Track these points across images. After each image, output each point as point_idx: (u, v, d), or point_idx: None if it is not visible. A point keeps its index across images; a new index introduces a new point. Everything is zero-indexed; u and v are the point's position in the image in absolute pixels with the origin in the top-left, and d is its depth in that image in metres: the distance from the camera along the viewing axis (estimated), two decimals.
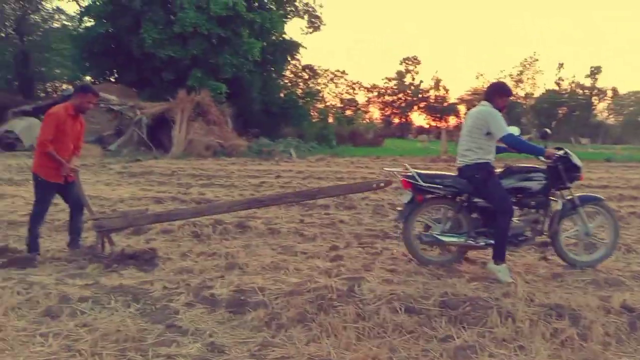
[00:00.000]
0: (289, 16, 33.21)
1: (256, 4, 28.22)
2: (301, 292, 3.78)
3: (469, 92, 78.71)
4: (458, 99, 79.91)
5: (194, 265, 4.63)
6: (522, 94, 76.62)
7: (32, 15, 34.57)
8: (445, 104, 78.90)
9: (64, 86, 37.14)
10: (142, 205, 8.12)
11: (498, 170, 4.82)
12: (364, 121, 64.98)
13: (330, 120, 49.90)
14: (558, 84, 74.01)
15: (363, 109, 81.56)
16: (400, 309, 3.54)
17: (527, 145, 4.65)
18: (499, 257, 4.51)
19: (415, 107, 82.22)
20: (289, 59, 34.11)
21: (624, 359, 2.91)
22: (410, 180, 4.73)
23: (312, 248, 5.45)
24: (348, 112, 71.21)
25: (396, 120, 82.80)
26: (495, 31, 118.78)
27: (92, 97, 5.03)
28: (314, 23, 34.52)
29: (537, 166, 4.88)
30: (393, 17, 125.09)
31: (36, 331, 3.11)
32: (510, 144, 4.60)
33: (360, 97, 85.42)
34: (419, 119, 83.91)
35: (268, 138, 26.06)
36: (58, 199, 8.17)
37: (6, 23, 34.00)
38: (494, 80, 4.88)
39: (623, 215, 7.78)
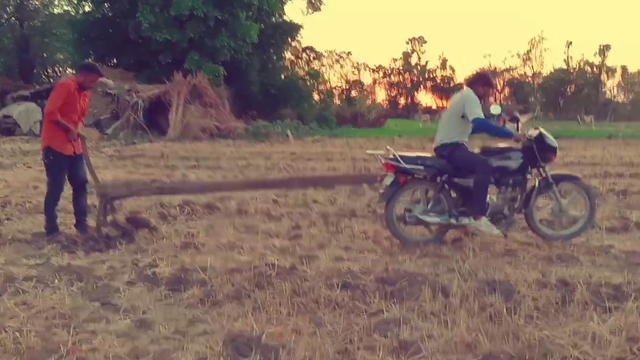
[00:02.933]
0: None
1: None
2: (242, 269, 3.83)
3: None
4: (465, 79, 79.12)
5: (149, 245, 4.69)
6: (529, 72, 75.87)
7: (32, 1, 34.53)
8: (452, 85, 78.28)
9: (68, 71, 37.25)
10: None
11: (475, 150, 4.95)
12: (369, 102, 64.78)
13: (337, 101, 49.67)
14: (567, 63, 73.02)
15: (369, 89, 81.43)
16: (337, 284, 3.58)
17: (496, 129, 4.89)
18: (479, 212, 4.67)
19: (422, 88, 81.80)
20: (289, 40, 33.87)
21: (545, 331, 2.92)
22: (393, 162, 4.78)
23: (274, 228, 5.49)
24: (354, 93, 71.13)
25: (402, 101, 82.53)
26: (503, 10, 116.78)
27: (96, 76, 5.17)
28: (314, 4, 34.15)
29: (513, 146, 4.96)
30: None
31: None
32: (479, 127, 4.82)
33: (366, 78, 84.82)
34: (425, 98, 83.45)
35: (267, 120, 26.01)
36: (39, 182, 8.28)
37: (7, 9, 34.02)
38: (480, 69, 4.96)
39: (601, 191, 7.74)
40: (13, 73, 32.58)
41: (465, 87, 4.96)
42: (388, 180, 4.82)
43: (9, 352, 2.63)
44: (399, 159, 4.75)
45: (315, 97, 36.87)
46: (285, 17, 32.04)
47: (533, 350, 2.68)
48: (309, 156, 13.92)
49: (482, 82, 4.94)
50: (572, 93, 72.50)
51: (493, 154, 4.87)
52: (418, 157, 4.84)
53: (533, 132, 4.93)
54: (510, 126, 5.09)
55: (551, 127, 31.43)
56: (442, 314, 3.19)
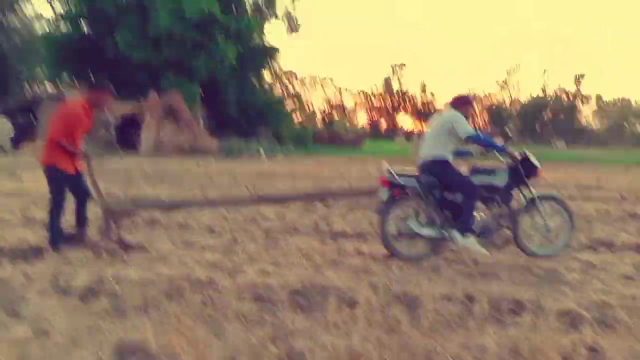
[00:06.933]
0: (268, 19, 33.34)
1: (233, 8, 28.32)
2: (156, 282, 3.85)
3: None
4: (445, 104, 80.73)
5: (77, 257, 4.67)
6: (507, 100, 77.49)
7: (10, 21, 34.57)
8: (433, 109, 79.57)
9: (49, 89, 36.96)
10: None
11: (464, 169, 5.16)
12: (351, 125, 65.50)
13: (320, 124, 50.11)
14: (543, 90, 74.83)
15: (351, 113, 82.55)
16: (250, 298, 3.62)
17: (491, 142, 5.10)
18: (466, 230, 4.92)
19: (402, 111, 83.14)
20: (269, 63, 34.26)
21: (436, 343, 2.98)
22: (388, 178, 5.01)
23: (213, 242, 5.51)
24: (336, 116, 71.97)
25: (384, 124, 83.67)
26: (482, 37, 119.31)
27: (108, 95, 5.18)
28: (292, 25, 34.74)
29: (500, 166, 5.21)
30: (379, 23, 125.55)
31: None
32: (476, 142, 5.08)
33: (349, 102, 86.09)
34: (406, 122, 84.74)
35: (244, 139, 26.10)
36: None
37: None
38: (461, 93, 5.43)
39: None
40: None
41: (450, 108, 5.25)
42: (383, 195, 5.06)
43: None
44: (393, 174, 5.00)
45: (298, 118, 37.21)
46: (265, 41, 32.54)
47: None
48: (274, 175, 14.00)
49: (465, 103, 5.24)
50: (548, 119, 74.10)
51: (482, 172, 5.12)
52: (412, 174, 5.09)
53: (518, 153, 5.19)
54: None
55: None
56: (345, 325, 3.24)
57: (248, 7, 30.06)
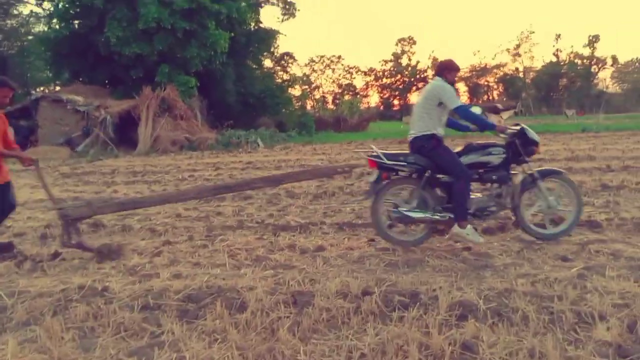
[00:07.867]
0: (262, 5, 32.94)
1: None
2: (54, 293, 3.75)
3: (467, 70, 78.08)
4: (456, 77, 79.46)
5: None
6: (520, 68, 75.72)
7: (7, 21, 34.73)
8: None
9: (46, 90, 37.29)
10: (38, 208, 8.14)
11: (458, 148, 4.95)
12: (361, 106, 64.91)
13: (332, 106, 49.53)
14: (556, 56, 72.73)
15: (362, 93, 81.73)
16: (139, 306, 3.50)
17: (479, 118, 4.81)
18: (462, 219, 4.67)
19: (414, 88, 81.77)
20: (267, 48, 33.90)
21: (309, 346, 2.83)
22: (376, 160, 4.82)
23: (144, 244, 5.41)
24: (347, 97, 71.26)
25: (396, 103, 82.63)
26: (490, 5, 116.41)
27: (8, 90, 4.90)
28: (289, 10, 34.24)
29: (495, 142, 4.97)
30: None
31: None
32: (463, 115, 4.79)
33: (359, 82, 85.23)
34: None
35: (244, 129, 25.91)
36: None
37: None
38: (444, 59, 5.04)
39: None
40: None
41: (435, 77, 4.97)
42: (372, 177, 4.90)
43: None
44: (381, 156, 4.80)
45: (305, 104, 36.84)
46: (261, 25, 32.14)
47: None
48: (261, 165, 13.86)
49: (448, 68, 4.94)
50: (564, 86, 72.19)
51: (476, 150, 4.87)
52: (401, 154, 4.87)
53: (515, 128, 4.94)
54: (493, 119, 5.10)
55: (533, 121, 31.27)
56: (222, 333, 3.10)
57: None
